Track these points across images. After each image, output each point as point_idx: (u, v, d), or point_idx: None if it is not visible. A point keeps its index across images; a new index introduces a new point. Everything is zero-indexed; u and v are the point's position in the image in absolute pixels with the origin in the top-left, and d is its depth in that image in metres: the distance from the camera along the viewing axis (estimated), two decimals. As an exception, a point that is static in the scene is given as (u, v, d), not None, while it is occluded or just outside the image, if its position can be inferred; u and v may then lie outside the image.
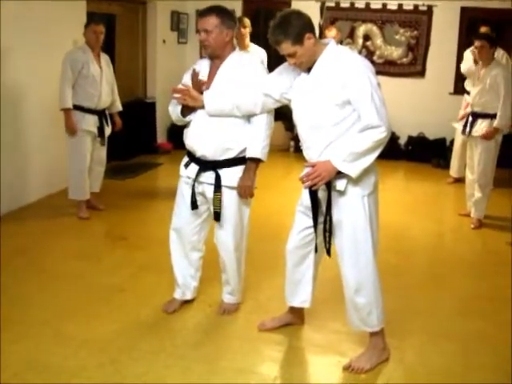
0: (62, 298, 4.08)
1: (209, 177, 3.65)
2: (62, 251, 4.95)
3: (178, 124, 3.78)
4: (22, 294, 4.08)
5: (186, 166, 3.74)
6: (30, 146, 6.08)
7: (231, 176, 3.64)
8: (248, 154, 3.58)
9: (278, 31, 3.08)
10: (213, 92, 3.54)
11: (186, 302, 4.03)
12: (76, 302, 4.03)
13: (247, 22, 6.58)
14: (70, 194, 5.87)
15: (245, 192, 3.64)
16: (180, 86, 3.62)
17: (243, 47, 6.48)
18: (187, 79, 3.69)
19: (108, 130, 5.95)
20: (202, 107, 3.54)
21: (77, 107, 5.61)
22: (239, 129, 3.59)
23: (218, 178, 3.62)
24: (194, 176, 3.68)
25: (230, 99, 3.48)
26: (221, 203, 3.64)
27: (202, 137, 3.59)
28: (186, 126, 3.74)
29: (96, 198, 6.07)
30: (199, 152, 3.63)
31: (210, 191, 3.66)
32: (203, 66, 3.71)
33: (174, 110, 3.71)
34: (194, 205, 3.72)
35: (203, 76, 3.63)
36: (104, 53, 5.96)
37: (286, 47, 3.09)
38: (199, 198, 3.73)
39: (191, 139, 3.66)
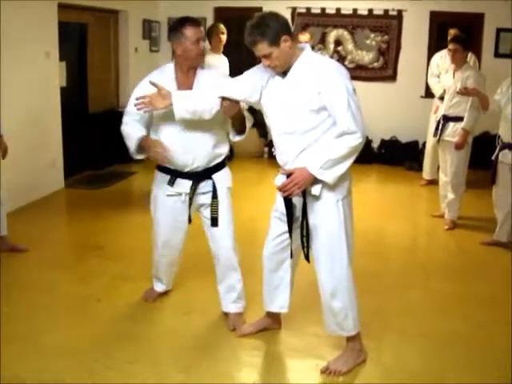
0: (37, 310, 4.03)
1: (204, 186, 3.70)
2: (36, 262, 4.89)
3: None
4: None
5: (171, 183, 3.69)
6: None
7: (224, 178, 3.74)
8: None
9: (254, 31, 3.05)
10: (180, 92, 3.47)
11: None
12: (51, 314, 3.99)
13: (224, 28, 6.78)
14: None
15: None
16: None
17: (218, 52, 6.74)
18: (142, 93, 3.51)
19: None
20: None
21: None
22: (221, 131, 3.65)
23: (213, 184, 3.68)
24: (187, 190, 3.67)
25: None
26: (217, 207, 3.68)
27: (192, 150, 3.57)
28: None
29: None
30: (193, 165, 3.61)
31: (205, 199, 3.71)
32: (166, 80, 3.55)
33: (132, 134, 3.60)
34: (190, 219, 3.78)
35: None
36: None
37: (261, 48, 3.05)
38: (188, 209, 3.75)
39: (179, 156, 3.58)
